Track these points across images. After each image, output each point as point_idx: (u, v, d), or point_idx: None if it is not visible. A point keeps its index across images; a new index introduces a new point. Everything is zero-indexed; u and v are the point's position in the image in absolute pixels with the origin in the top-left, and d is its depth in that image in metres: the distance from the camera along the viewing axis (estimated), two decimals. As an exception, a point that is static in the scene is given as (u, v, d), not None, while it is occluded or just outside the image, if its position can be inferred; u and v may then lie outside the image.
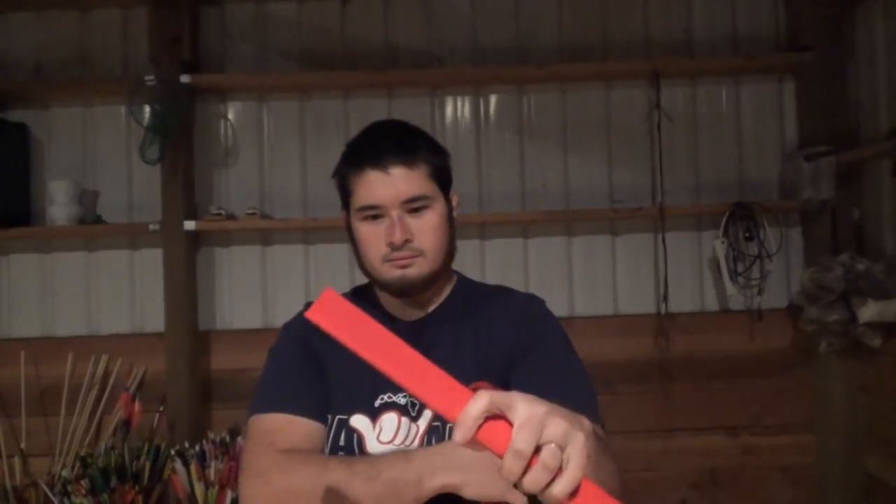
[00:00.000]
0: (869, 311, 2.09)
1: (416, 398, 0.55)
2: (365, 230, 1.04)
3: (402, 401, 1.04)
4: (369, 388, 1.05)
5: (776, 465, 2.43)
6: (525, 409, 0.52)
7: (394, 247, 1.01)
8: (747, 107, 2.52)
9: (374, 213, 1.02)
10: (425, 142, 1.07)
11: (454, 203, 1.11)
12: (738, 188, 2.50)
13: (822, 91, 2.39)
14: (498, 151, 2.50)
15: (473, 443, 0.52)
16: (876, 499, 2.24)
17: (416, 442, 1.02)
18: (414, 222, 1.02)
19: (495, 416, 0.52)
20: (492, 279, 1.30)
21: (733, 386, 2.44)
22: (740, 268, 2.38)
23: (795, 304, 2.42)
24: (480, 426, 0.52)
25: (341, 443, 1.02)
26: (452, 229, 1.09)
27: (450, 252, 1.09)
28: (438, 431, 1.02)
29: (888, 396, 2.18)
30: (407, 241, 1.01)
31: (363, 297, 1.16)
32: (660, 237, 2.41)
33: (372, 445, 1.02)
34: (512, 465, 0.51)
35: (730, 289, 2.37)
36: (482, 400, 0.52)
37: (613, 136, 2.52)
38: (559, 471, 0.51)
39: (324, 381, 1.06)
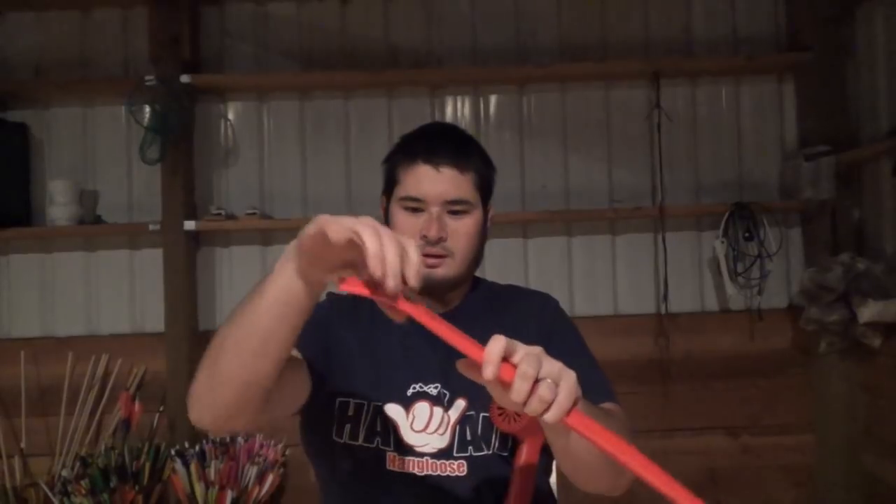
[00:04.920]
0: (869, 311, 2.09)
1: (455, 346, 0.67)
2: (402, 219, 1.07)
3: (434, 391, 1.06)
4: (402, 378, 1.07)
5: (776, 465, 2.43)
6: (525, 348, 0.67)
7: (428, 241, 1.04)
8: (747, 107, 2.52)
9: (416, 205, 1.06)
10: (478, 152, 1.12)
11: (490, 215, 1.14)
12: (738, 188, 2.50)
13: (822, 91, 2.39)
14: (498, 151, 2.47)
15: (495, 380, 0.65)
16: (876, 499, 2.24)
17: (448, 430, 1.04)
18: (451, 223, 1.06)
19: (506, 360, 0.65)
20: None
21: (733, 386, 2.44)
22: (740, 268, 2.38)
23: (795, 304, 2.42)
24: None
25: (378, 429, 1.04)
26: (484, 239, 1.12)
27: (476, 260, 1.12)
28: (471, 420, 1.05)
29: (888, 396, 2.19)
30: (441, 238, 1.05)
31: None
32: (660, 237, 2.41)
33: (406, 433, 1.04)
34: (521, 386, 0.64)
35: (730, 289, 2.37)
36: (499, 341, 0.65)
37: (613, 136, 2.52)
38: (552, 402, 0.64)
39: (328, 354, 1.05)
